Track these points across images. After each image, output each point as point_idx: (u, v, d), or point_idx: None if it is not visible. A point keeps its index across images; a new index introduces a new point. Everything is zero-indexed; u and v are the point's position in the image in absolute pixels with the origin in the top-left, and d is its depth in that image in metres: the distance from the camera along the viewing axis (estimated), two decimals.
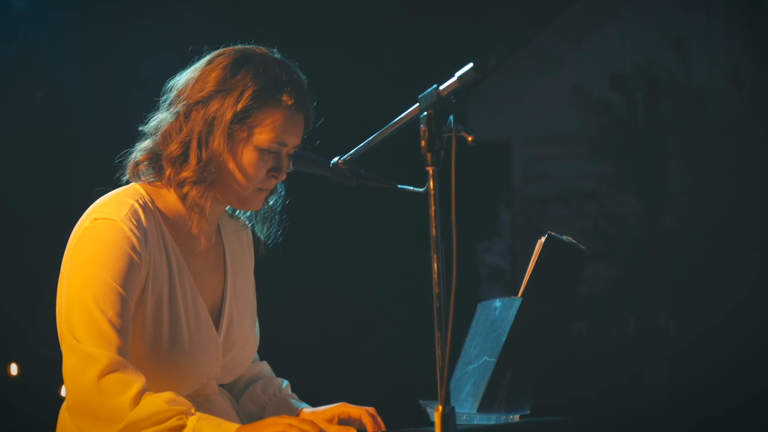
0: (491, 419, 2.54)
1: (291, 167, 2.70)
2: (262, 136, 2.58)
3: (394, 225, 9.26)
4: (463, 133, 2.19)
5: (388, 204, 8.65)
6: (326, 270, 9.10)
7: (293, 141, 2.63)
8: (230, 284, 2.72)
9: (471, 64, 2.17)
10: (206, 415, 2.41)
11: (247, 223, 2.84)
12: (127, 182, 2.67)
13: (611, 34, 9.91)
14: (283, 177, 2.65)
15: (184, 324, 2.57)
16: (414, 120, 2.29)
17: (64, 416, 2.60)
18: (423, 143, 2.21)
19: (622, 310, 8.97)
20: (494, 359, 2.54)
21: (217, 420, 2.40)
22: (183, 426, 2.37)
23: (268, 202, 2.78)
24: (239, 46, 2.66)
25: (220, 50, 2.65)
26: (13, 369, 7.21)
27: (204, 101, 2.57)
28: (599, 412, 8.03)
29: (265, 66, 2.61)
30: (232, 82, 2.57)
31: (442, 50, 9.45)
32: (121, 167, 2.69)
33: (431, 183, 2.20)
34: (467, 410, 2.56)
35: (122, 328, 2.45)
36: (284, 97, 2.59)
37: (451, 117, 2.20)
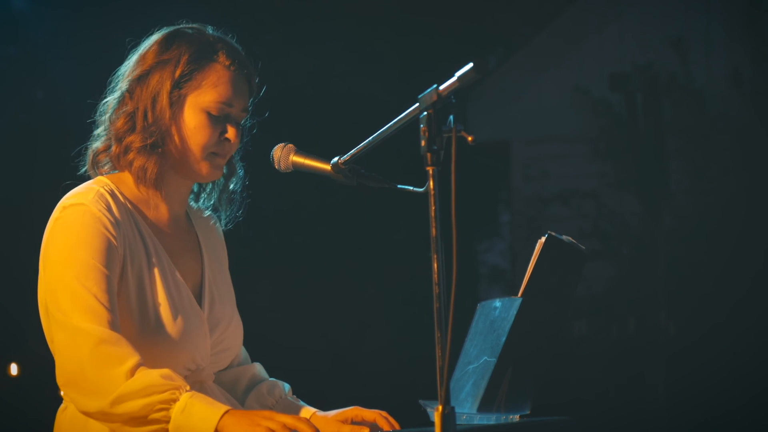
0: (491, 419, 2.54)
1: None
2: (206, 96, 2.62)
3: (394, 225, 9.26)
4: (463, 133, 2.18)
5: (388, 204, 8.65)
6: (326, 270, 9.10)
7: (238, 103, 2.66)
8: (207, 265, 2.75)
9: (471, 64, 2.17)
10: (200, 394, 2.42)
11: (213, 214, 2.84)
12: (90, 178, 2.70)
13: (611, 34, 9.91)
14: (234, 140, 2.67)
15: (168, 300, 2.59)
16: (414, 120, 2.29)
17: (60, 418, 2.61)
18: (423, 143, 2.21)
19: (622, 310, 8.97)
20: (494, 359, 2.54)
21: (210, 399, 2.42)
22: (175, 400, 2.39)
23: (228, 186, 2.80)
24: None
25: (153, 34, 2.72)
26: (13, 369, 7.21)
27: (145, 75, 2.63)
28: (599, 412, 8.04)
29: (198, 34, 2.69)
30: (168, 53, 2.64)
31: (442, 50, 9.45)
32: (81, 160, 2.73)
33: (431, 183, 2.20)
34: (467, 410, 2.56)
35: (109, 303, 2.47)
36: (221, 58, 2.65)
37: (451, 117, 2.20)
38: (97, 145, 2.69)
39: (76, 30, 7.59)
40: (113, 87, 2.70)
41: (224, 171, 2.77)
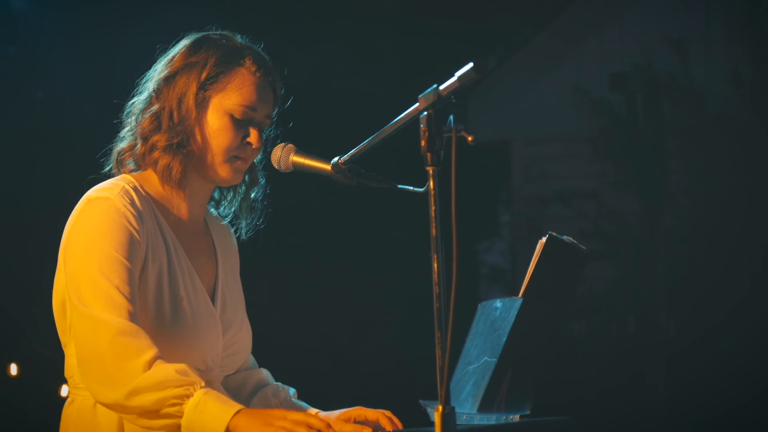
0: (491, 419, 2.54)
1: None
2: (230, 99, 2.65)
3: (393, 225, 9.26)
4: (463, 133, 2.18)
5: (388, 204, 8.64)
6: (326, 270, 9.10)
7: (262, 108, 2.69)
8: (221, 269, 2.77)
9: (471, 64, 2.17)
10: (214, 391, 2.43)
11: (230, 223, 2.88)
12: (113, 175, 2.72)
13: (611, 34, 9.91)
14: (256, 144, 2.69)
15: (185, 297, 2.61)
16: (414, 120, 2.29)
17: (67, 412, 2.62)
18: (423, 143, 2.21)
19: (622, 310, 8.97)
20: (495, 359, 2.54)
21: (224, 397, 2.42)
22: (189, 396, 2.40)
23: (249, 195, 2.83)
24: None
25: (183, 39, 2.76)
26: (13, 369, 7.21)
27: (172, 76, 2.67)
28: (599, 412, 8.03)
29: (226, 39, 2.72)
30: (196, 56, 2.68)
31: (442, 50, 9.45)
32: (107, 161, 2.76)
33: (431, 183, 2.20)
34: (467, 410, 2.56)
35: (130, 295, 2.49)
36: (247, 63, 2.68)
37: (451, 117, 2.20)
38: (122, 145, 2.72)
39: (76, 30, 7.59)
40: (140, 89, 2.73)
41: (246, 179, 2.80)
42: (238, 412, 2.38)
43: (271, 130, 2.78)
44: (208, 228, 2.81)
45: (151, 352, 2.42)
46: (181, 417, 2.40)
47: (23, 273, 6.91)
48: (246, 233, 2.87)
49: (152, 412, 2.41)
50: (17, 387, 7.14)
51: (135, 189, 2.61)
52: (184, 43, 2.71)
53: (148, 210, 2.61)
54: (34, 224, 7.13)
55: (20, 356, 7.20)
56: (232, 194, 2.84)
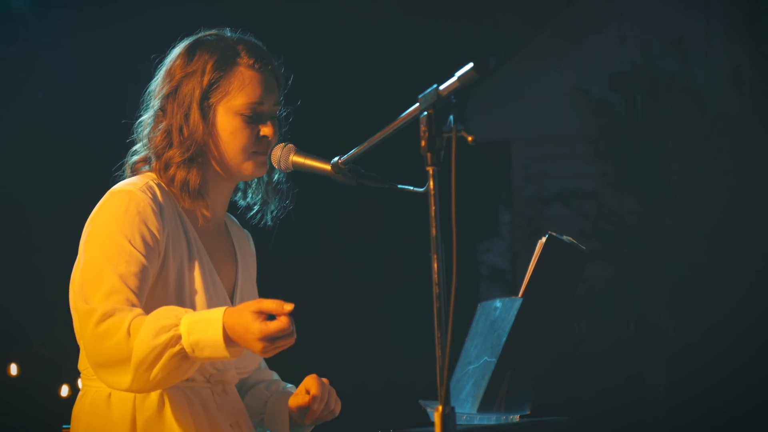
0: (491, 419, 2.54)
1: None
2: (237, 100, 2.66)
3: (393, 225, 9.25)
4: (463, 133, 2.19)
5: (388, 204, 8.64)
6: (326, 270, 9.09)
7: (269, 99, 2.70)
8: (240, 271, 2.79)
9: (471, 64, 2.17)
10: (193, 322, 2.39)
11: (257, 208, 2.88)
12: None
13: (611, 34, 9.91)
14: (272, 135, 2.70)
15: (205, 294, 2.62)
16: (414, 120, 2.29)
17: (79, 405, 2.63)
18: (423, 143, 2.21)
19: (622, 310, 8.97)
20: (494, 359, 2.54)
21: (203, 319, 2.39)
22: (181, 349, 2.38)
23: (272, 178, 2.83)
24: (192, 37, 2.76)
25: (176, 46, 2.75)
26: (13, 369, 7.21)
27: (174, 90, 2.67)
28: (599, 412, 8.03)
29: (217, 40, 2.72)
30: (192, 64, 2.68)
31: (442, 50, 9.44)
32: (121, 173, 2.77)
33: (431, 183, 2.20)
34: (467, 410, 2.56)
35: (136, 288, 2.48)
36: (243, 59, 2.68)
37: (451, 117, 2.20)
38: (135, 158, 2.73)
39: (76, 30, 7.59)
40: (146, 105, 2.74)
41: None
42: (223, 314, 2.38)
43: (283, 111, 2.78)
44: (228, 230, 2.82)
45: (127, 320, 2.41)
46: (187, 353, 2.39)
47: (23, 273, 6.91)
48: (277, 216, 2.86)
49: (174, 370, 2.40)
50: (17, 387, 7.14)
51: (159, 186, 2.63)
52: (178, 51, 2.71)
53: (170, 207, 2.62)
54: (34, 224, 7.12)
55: (20, 356, 7.20)
56: (256, 181, 2.85)
